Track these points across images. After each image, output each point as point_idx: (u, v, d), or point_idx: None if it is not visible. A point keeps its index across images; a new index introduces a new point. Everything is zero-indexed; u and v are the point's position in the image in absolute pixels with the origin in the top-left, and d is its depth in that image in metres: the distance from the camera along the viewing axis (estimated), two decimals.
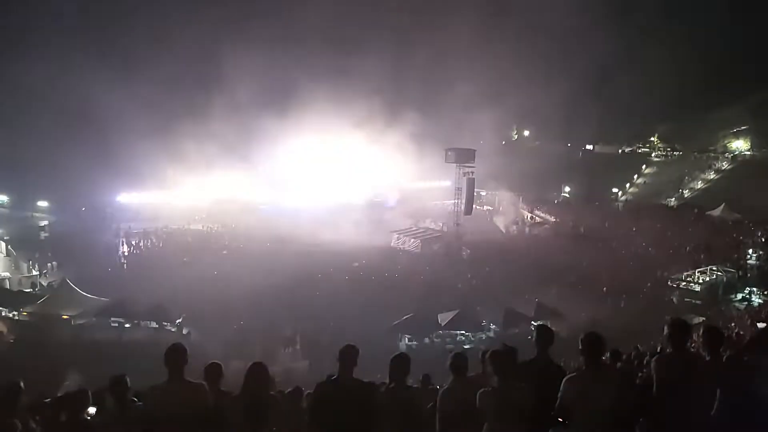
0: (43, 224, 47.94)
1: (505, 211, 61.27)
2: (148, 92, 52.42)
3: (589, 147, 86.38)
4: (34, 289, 33.70)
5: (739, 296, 32.25)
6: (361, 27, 64.37)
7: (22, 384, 5.22)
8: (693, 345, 5.76)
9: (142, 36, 60.07)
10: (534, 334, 5.46)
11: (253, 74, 53.06)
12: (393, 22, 65.53)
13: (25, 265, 38.22)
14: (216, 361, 5.49)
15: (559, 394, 4.60)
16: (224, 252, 41.86)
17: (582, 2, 65.55)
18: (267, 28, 58.82)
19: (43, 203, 51.03)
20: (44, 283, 34.75)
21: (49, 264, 38.45)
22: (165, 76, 54.19)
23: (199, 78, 57.23)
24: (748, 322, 20.84)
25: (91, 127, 51.79)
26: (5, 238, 41.89)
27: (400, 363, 5.16)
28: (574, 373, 4.78)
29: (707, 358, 4.63)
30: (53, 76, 51.18)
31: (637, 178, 76.52)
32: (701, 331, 4.94)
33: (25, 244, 41.34)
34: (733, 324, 21.39)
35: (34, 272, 37.44)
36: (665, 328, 4.71)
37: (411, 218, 54.76)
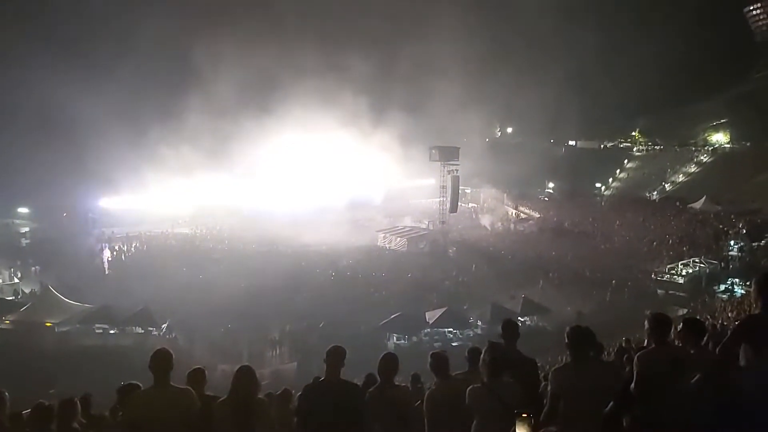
0: (24, 231, 47.26)
1: (490, 208, 61.62)
2: (129, 96, 51.99)
3: (572, 143, 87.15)
4: (16, 297, 33.16)
5: (722, 287, 32.59)
6: (344, 27, 64.41)
7: (6, 393, 5.15)
8: (679, 339, 5.78)
9: (121, 38, 59.58)
10: (500, 328, 5.45)
11: (235, 76, 52.88)
12: (376, 22, 65.51)
13: (6, 273, 37.66)
14: (199, 366, 5.45)
15: (549, 388, 4.61)
16: (216, 257, 41.34)
17: (563, 1, 66.20)
18: (248, 26, 58.52)
19: (23, 210, 50.33)
20: (26, 291, 34.23)
21: (32, 269, 37.95)
22: (146, 79, 53.80)
23: (181, 82, 56.71)
24: (732, 313, 21.09)
25: (72, 132, 51.06)
26: None
27: (388, 362, 5.14)
28: (561, 365, 4.80)
29: (691, 351, 4.66)
30: (31, 81, 50.53)
31: (620, 172, 77.33)
32: (682, 323, 4.96)
33: (5, 251, 40.71)
34: (716, 315, 21.66)
35: (16, 279, 36.90)
36: (645, 322, 4.72)
37: (390, 217, 54.76)
